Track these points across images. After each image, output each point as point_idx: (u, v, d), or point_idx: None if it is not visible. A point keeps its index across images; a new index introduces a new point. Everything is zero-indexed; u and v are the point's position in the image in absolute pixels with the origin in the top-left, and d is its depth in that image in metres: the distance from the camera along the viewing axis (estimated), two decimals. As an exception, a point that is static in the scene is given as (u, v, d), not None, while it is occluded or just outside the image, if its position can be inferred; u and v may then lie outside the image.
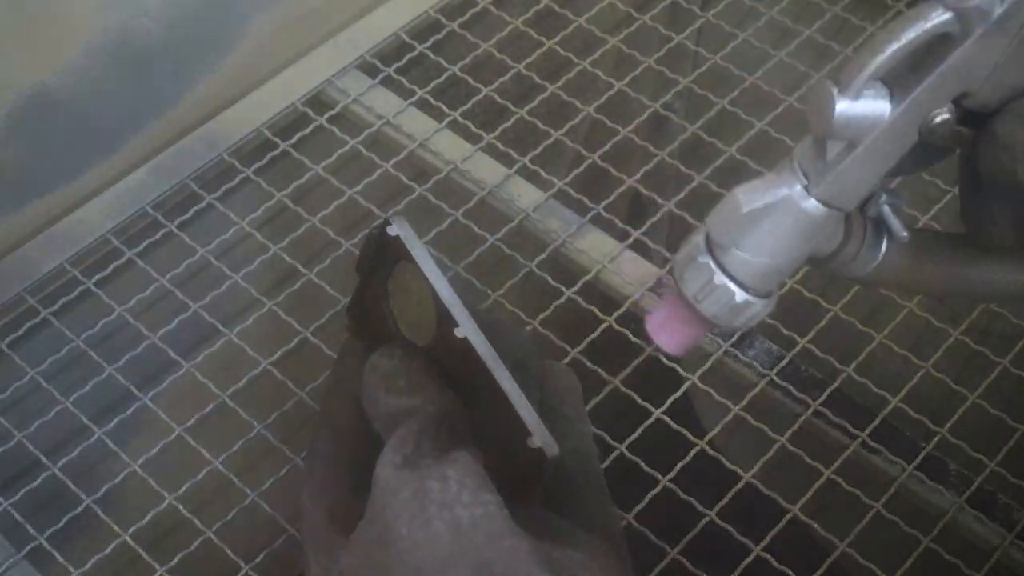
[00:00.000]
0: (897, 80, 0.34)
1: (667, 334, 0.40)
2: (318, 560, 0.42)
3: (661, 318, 0.40)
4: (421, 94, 0.81)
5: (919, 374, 0.68)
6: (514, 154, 0.77)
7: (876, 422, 0.66)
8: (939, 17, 0.33)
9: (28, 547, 0.64)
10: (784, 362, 0.69)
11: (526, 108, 0.80)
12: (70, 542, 0.65)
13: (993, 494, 0.65)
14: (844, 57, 0.82)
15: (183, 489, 0.65)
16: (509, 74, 0.82)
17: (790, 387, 0.68)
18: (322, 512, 0.43)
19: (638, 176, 0.77)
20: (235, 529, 0.64)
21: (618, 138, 0.78)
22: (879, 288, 0.40)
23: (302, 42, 0.84)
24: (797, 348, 0.69)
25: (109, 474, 0.67)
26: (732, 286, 0.37)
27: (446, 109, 0.80)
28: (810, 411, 0.67)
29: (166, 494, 0.65)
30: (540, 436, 0.41)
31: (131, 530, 0.64)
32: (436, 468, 0.39)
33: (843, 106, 0.34)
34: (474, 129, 0.79)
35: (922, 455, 0.66)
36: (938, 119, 0.35)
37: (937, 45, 0.34)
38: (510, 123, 0.79)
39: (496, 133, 0.79)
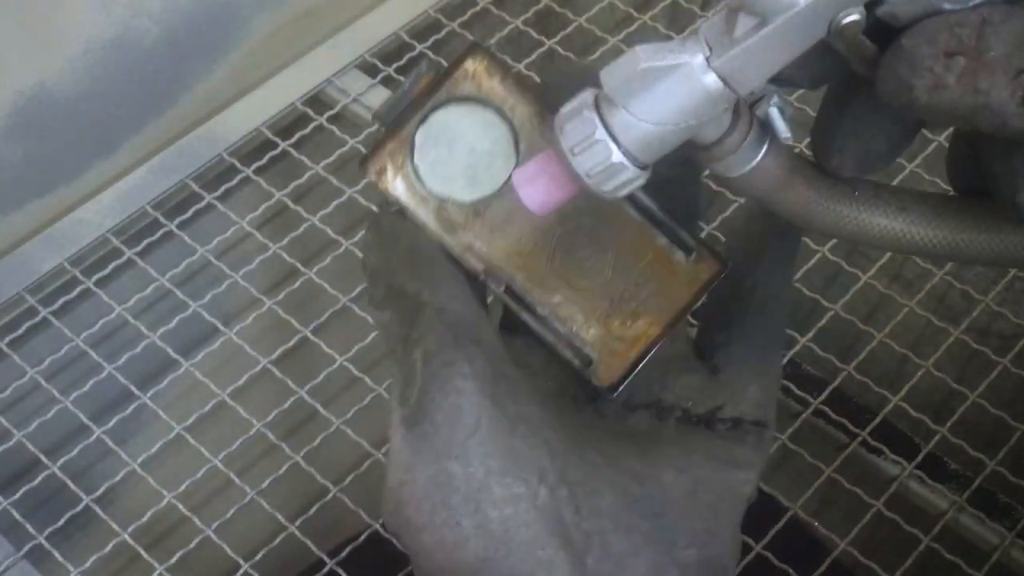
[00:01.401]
0: None
1: (533, 188, 0.39)
2: (388, 466, 0.38)
3: (531, 171, 0.39)
4: (421, 94, 0.81)
5: (919, 374, 0.68)
6: (514, 154, 0.77)
7: (876, 421, 0.66)
8: None
9: (28, 546, 0.64)
10: (784, 362, 0.69)
11: (526, 108, 0.80)
12: (70, 541, 0.65)
13: (993, 494, 0.65)
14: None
15: (182, 488, 0.65)
16: (509, 74, 0.82)
17: (790, 386, 0.68)
18: (399, 419, 0.38)
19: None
20: (234, 527, 0.64)
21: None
22: (744, 195, 0.40)
23: (302, 42, 0.84)
24: (797, 347, 0.69)
25: (109, 473, 0.67)
26: (611, 144, 0.37)
27: (446, 109, 0.80)
28: (810, 410, 0.67)
29: (165, 493, 0.65)
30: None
31: (130, 528, 0.64)
32: (453, 436, 0.35)
33: None
34: (474, 129, 0.79)
35: (922, 455, 0.66)
36: (848, 19, 0.35)
37: None
38: (510, 123, 0.79)
39: (496, 133, 0.79)
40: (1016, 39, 0.33)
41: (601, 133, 0.37)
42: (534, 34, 0.84)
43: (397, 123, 0.43)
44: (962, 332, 0.70)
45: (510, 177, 0.40)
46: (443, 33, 0.84)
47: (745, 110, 0.38)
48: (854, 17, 0.35)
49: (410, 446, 0.36)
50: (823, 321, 0.70)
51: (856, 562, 0.62)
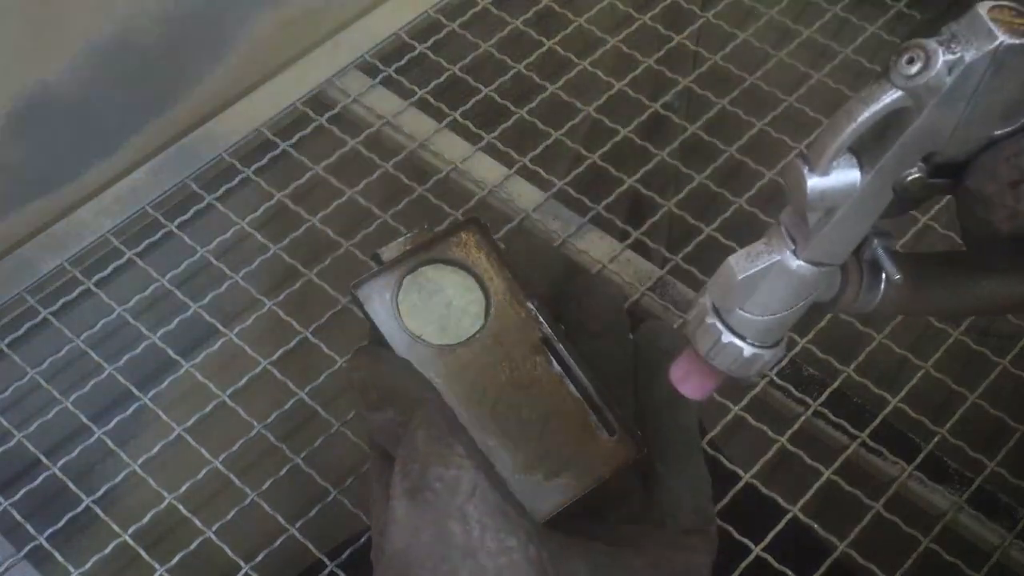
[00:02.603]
0: (864, 148, 0.36)
1: (690, 385, 0.42)
2: (375, 535, 0.43)
3: (683, 371, 0.42)
4: (421, 94, 0.81)
5: (919, 374, 0.68)
6: (514, 154, 0.77)
7: (876, 422, 0.66)
8: (891, 96, 0.34)
9: (28, 547, 0.64)
10: (784, 362, 0.69)
11: (526, 108, 0.80)
12: (70, 542, 0.65)
13: (993, 494, 0.65)
14: (844, 57, 0.82)
15: (183, 489, 0.65)
16: (509, 74, 0.82)
17: (790, 387, 0.68)
18: (380, 490, 0.43)
19: (638, 176, 0.77)
20: (235, 529, 0.64)
21: (618, 138, 0.78)
22: (889, 316, 0.43)
23: (302, 42, 0.84)
24: (797, 348, 0.69)
25: (109, 474, 0.67)
26: (739, 343, 0.40)
27: (446, 109, 0.80)
28: (810, 411, 0.67)
29: (166, 494, 0.65)
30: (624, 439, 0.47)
31: (131, 530, 0.64)
32: (452, 500, 0.39)
33: (814, 182, 0.36)
34: (474, 129, 0.79)
35: (922, 455, 0.66)
36: (910, 178, 0.37)
37: (895, 117, 0.35)
38: (510, 123, 0.79)
39: (496, 133, 0.79)
40: None
41: (727, 337, 0.40)
42: (534, 34, 0.84)
43: (391, 265, 0.49)
44: (962, 333, 0.70)
45: (475, 333, 0.49)
46: (443, 33, 0.84)
47: (853, 262, 0.40)
48: (916, 175, 0.37)
49: (413, 513, 0.40)
50: (822, 322, 0.70)
51: (856, 563, 0.62)
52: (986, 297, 0.41)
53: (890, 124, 0.35)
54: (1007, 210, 0.36)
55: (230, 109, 0.81)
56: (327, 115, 0.80)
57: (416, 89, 0.81)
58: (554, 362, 0.49)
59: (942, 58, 0.34)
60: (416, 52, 0.83)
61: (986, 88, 0.35)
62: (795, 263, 0.38)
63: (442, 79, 0.82)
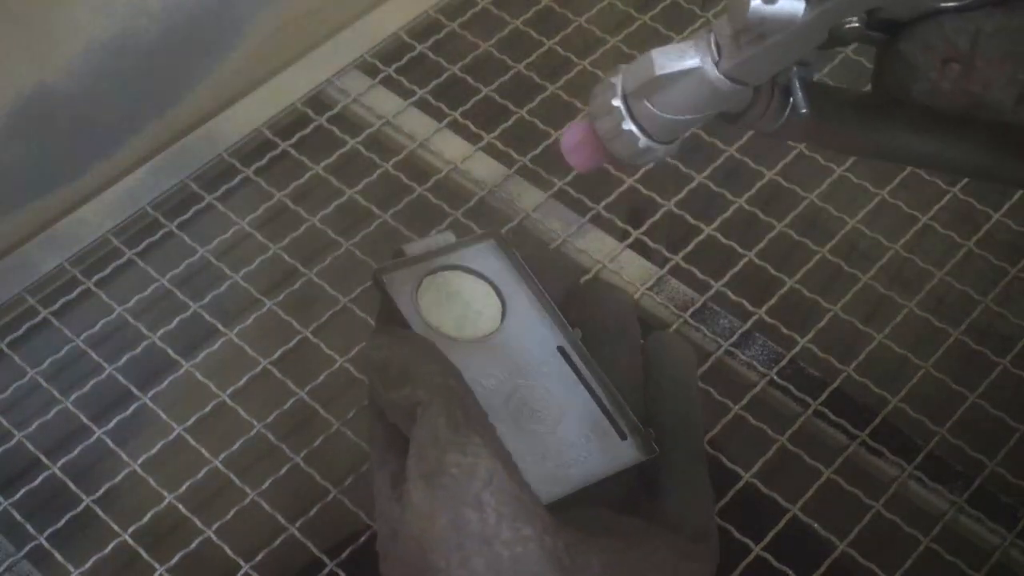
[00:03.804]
0: None
1: (578, 156, 0.44)
2: (380, 525, 0.43)
3: (575, 140, 0.43)
4: (421, 94, 0.81)
5: (919, 374, 0.68)
6: (514, 154, 0.77)
7: (876, 422, 0.66)
8: None
9: (28, 546, 0.64)
10: (784, 362, 0.69)
11: (526, 108, 0.80)
12: (70, 541, 0.65)
13: (993, 494, 0.65)
14: (844, 57, 0.82)
15: (183, 488, 0.65)
16: (509, 74, 0.82)
17: (790, 387, 0.68)
18: (384, 479, 0.43)
19: (638, 176, 0.77)
20: (235, 528, 0.64)
21: (618, 138, 0.78)
22: (784, 141, 0.43)
23: (302, 42, 0.84)
24: (797, 348, 0.69)
25: (109, 474, 0.67)
26: (638, 132, 0.40)
27: (446, 109, 0.80)
28: (810, 411, 0.67)
29: (166, 493, 0.65)
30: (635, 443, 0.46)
31: (131, 529, 0.64)
32: (469, 487, 0.39)
33: (756, 5, 0.36)
34: (474, 129, 0.79)
35: (922, 455, 0.66)
36: (848, 26, 0.37)
37: None
38: (510, 123, 0.79)
39: (496, 133, 0.79)
40: (1007, 47, 0.35)
41: (628, 124, 0.40)
42: (534, 34, 0.84)
43: (415, 261, 0.50)
44: (962, 333, 0.70)
45: (491, 333, 0.49)
46: (443, 33, 0.84)
47: (766, 83, 0.40)
48: (854, 25, 0.37)
49: (429, 497, 0.40)
50: (823, 322, 0.70)
51: (856, 563, 0.62)
52: (882, 145, 0.42)
53: None
54: (929, 83, 0.36)
55: (230, 109, 0.81)
56: (327, 115, 0.80)
57: (416, 89, 0.81)
58: (569, 367, 0.49)
59: None
60: (416, 52, 0.83)
61: None
62: (714, 74, 0.38)
63: (442, 79, 0.82)
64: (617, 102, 0.41)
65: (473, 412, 0.42)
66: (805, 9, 0.36)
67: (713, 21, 0.39)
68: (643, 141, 0.40)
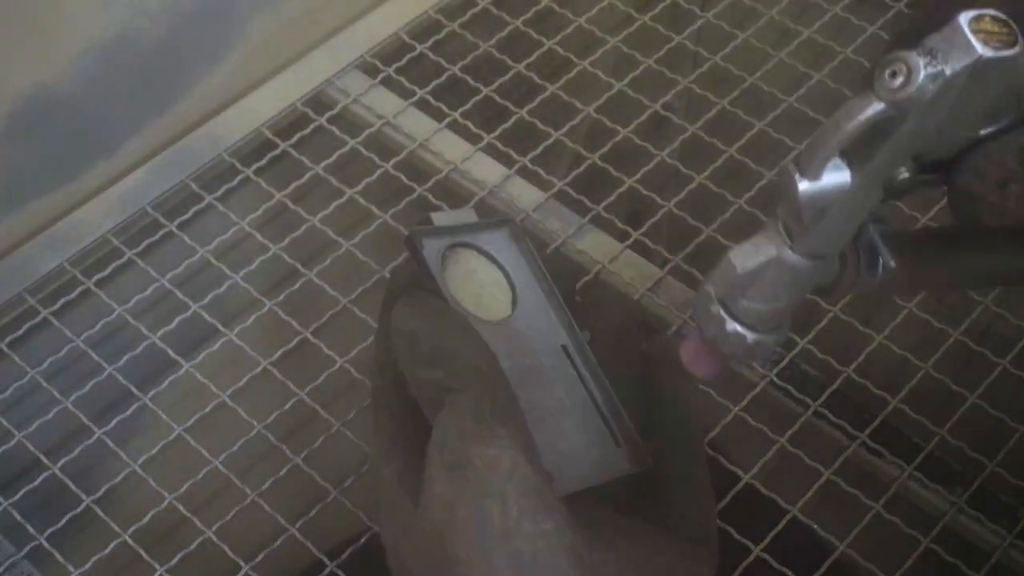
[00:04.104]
0: (854, 153, 0.37)
1: (700, 365, 0.44)
2: (389, 518, 0.43)
3: (692, 351, 0.44)
4: (421, 94, 0.81)
5: (919, 374, 0.68)
6: (514, 154, 0.77)
7: (876, 422, 0.66)
8: (874, 109, 0.36)
9: (28, 547, 0.64)
10: (784, 362, 0.69)
11: (526, 108, 0.80)
12: (70, 542, 0.65)
13: (993, 494, 0.65)
14: (844, 57, 0.82)
15: (183, 489, 0.65)
16: (509, 74, 0.82)
17: (790, 387, 0.68)
18: (391, 473, 0.43)
19: (638, 176, 0.77)
20: (235, 529, 0.64)
21: (618, 138, 0.78)
22: (892, 295, 0.44)
23: (302, 42, 0.84)
24: (797, 348, 0.69)
25: (109, 474, 0.67)
26: (742, 330, 0.42)
27: (446, 109, 0.80)
28: (810, 411, 0.67)
29: (166, 494, 0.65)
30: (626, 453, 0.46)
31: (131, 530, 0.64)
32: (492, 479, 0.39)
33: (805, 187, 0.38)
34: (474, 129, 0.79)
35: (922, 455, 0.66)
36: (900, 177, 0.39)
37: (881, 125, 0.36)
38: (510, 123, 0.79)
39: (496, 133, 0.79)
40: None
41: (731, 325, 0.42)
42: (534, 34, 0.84)
43: (442, 231, 0.50)
44: (962, 333, 0.70)
45: (505, 319, 0.49)
46: (443, 33, 0.84)
47: (851, 248, 0.42)
48: (905, 175, 0.39)
49: (451, 488, 0.40)
50: (823, 323, 0.70)
51: (856, 564, 0.62)
52: (979, 272, 0.43)
53: (877, 131, 0.36)
54: (994, 207, 0.38)
55: (230, 109, 0.81)
56: (327, 115, 0.80)
57: (416, 89, 0.81)
58: (572, 367, 0.49)
59: (923, 71, 0.35)
60: (416, 52, 0.83)
61: (966, 96, 0.36)
62: (792, 257, 0.40)
63: (442, 79, 0.82)
64: (715, 307, 0.42)
65: (503, 401, 0.42)
66: (851, 175, 0.37)
67: (778, 208, 0.40)
68: (751, 336, 0.42)
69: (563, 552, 0.39)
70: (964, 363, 0.70)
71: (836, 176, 0.37)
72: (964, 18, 0.35)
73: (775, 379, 0.68)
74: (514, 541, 0.38)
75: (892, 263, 0.41)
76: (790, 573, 0.61)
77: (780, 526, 0.63)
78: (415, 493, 0.42)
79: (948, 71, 0.35)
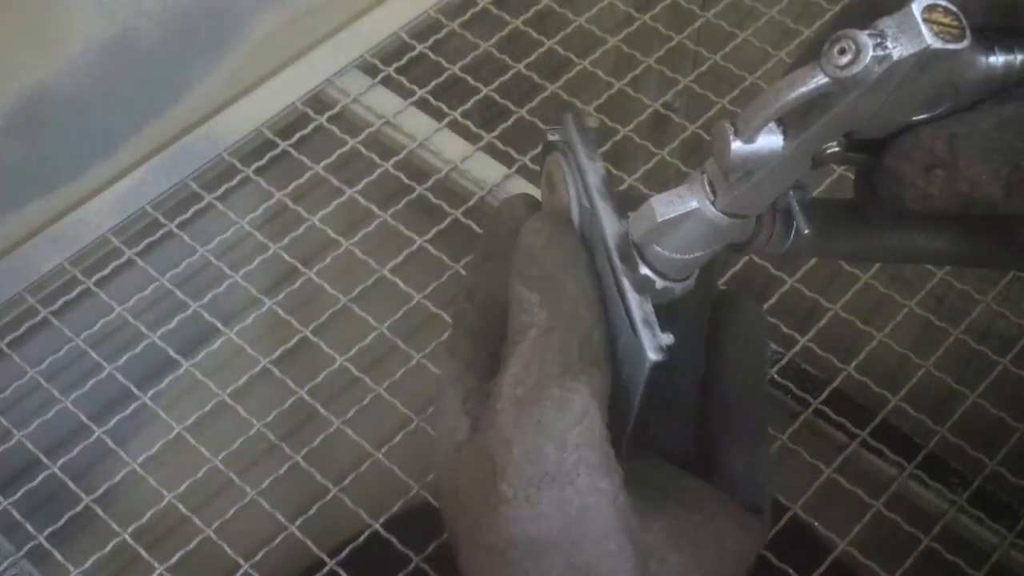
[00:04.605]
0: (790, 122, 0.38)
1: None
2: (445, 439, 0.42)
3: None
4: (421, 94, 0.81)
5: (919, 374, 0.68)
6: (514, 154, 0.77)
7: (876, 421, 0.66)
8: (818, 82, 0.36)
9: (28, 546, 0.64)
10: (784, 361, 0.69)
11: (526, 108, 0.80)
12: (70, 541, 0.65)
13: (993, 494, 0.65)
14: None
15: (182, 488, 0.65)
16: (509, 74, 0.82)
17: (790, 386, 0.68)
18: (456, 395, 0.42)
19: (638, 175, 0.77)
20: (234, 527, 0.64)
21: (618, 137, 0.78)
22: (797, 259, 0.45)
23: (302, 42, 0.84)
24: (797, 347, 0.69)
25: (109, 473, 0.67)
26: (652, 276, 0.42)
27: (446, 109, 0.80)
28: (810, 410, 0.67)
29: (165, 493, 0.65)
30: (646, 339, 0.42)
31: (131, 529, 0.64)
32: (558, 422, 0.38)
33: (738, 147, 0.38)
34: (474, 129, 0.79)
35: (922, 454, 0.66)
36: (828, 151, 0.39)
37: (820, 99, 0.37)
38: (510, 123, 0.79)
39: (496, 133, 0.79)
40: (983, 146, 0.37)
41: (643, 269, 0.42)
42: (534, 34, 0.84)
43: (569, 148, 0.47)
44: (962, 332, 0.70)
45: None
46: (443, 33, 0.84)
47: (767, 210, 0.42)
48: (835, 149, 0.39)
49: (514, 424, 0.39)
50: (823, 321, 0.70)
51: (856, 562, 0.62)
52: (888, 249, 0.44)
53: (815, 105, 0.37)
54: (918, 191, 0.38)
55: (230, 109, 0.81)
56: (327, 115, 0.80)
57: (416, 89, 0.81)
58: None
59: (871, 53, 0.35)
60: (416, 52, 0.83)
61: (910, 83, 0.36)
62: (712, 212, 0.40)
63: (442, 79, 0.82)
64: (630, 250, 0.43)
65: (589, 351, 0.41)
66: (784, 144, 0.38)
67: (705, 163, 0.41)
68: (659, 283, 0.42)
69: (612, 513, 0.38)
70: (964, 362, 0.70)
71: (769, 141, 0.38)
72: (917, 5, 0.35)
73: (775, 377, 0.68)
74: (565, 490, 0.38)
75: (805, 230, 0.42)
76: (790, 572, 0.61)
77: (780, 525, 0.63)
78: (479, 419, 0.41)
79: (896, 56, 0.35)
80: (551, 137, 0.48)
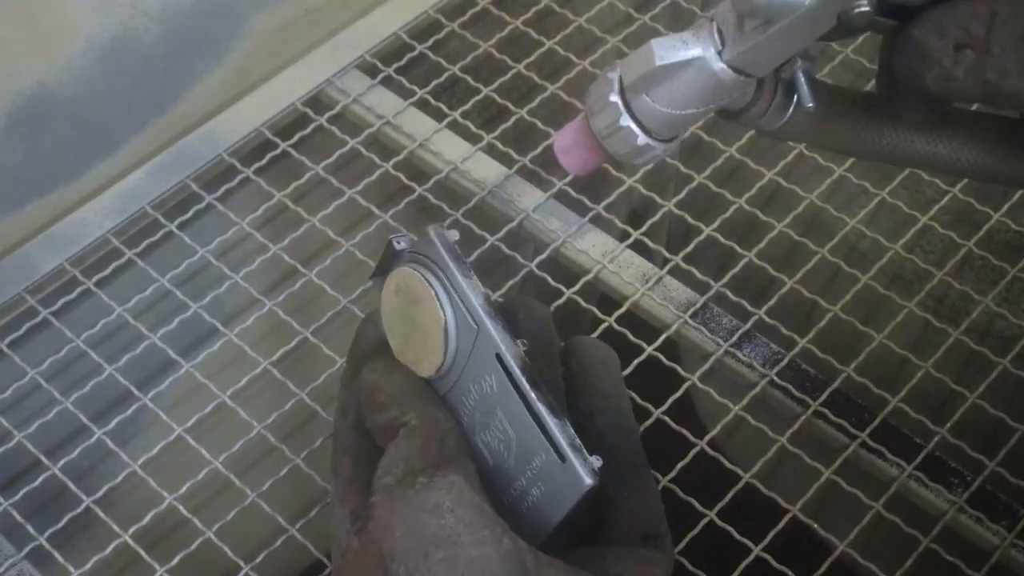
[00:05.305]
0: None
1: (572, 157, 0.42)
2: (337, 553, 0.42)
3: (568, 141, 0.41)
4: (421, 94, 0.81)
5: (919, 374, 0.68)
6: (514, 154, 0.77)
7: (876, 422, 0.66)
8: None
9: (28, 547, 0.64)
10: (784, 362, 0.69)
11: (526, 108, 0.80)
12: (70, 542, 0.65)
13: (993, 494, 0.65)
14: (844, 57, 0.82)
15: (183, 489, 0.65)
16: (509, 74, 0.82)
17: (790, 387, 0.68)
18: (345, 513, 0.43)
19: (638, 176, 0.77)
20: (235, 529, 0.64)
21: (618, 138, 0.78)
22: (787, 140, 0.42)
23: (302, 42, 0.84)
24: (797, 348, 0.69)
25: (109, 474, 0.67)
26: (636, 129, 0.38)
27: (446, 109, 0.80)
28: (810, 411, 0.67)
29: (166, 494, 0.65)
30: (579, 465, 0.42)
31: (131, 530, 0.64)
32: (430, 496, 0.39)
33: None
34: (474, 129, 0.79)
35: (922, 455, 0.66)
36: (857, 10, 0.35)
37: None
38: (510, 123, 0.79)
39: (496, 133, 0.79)
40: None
41: (625, 120, 0.38)
42: (534, 34, 0.84)
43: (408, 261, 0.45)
44: (962, 333, 0.70)
45: (436, 371, 0.43)
46: (443, 33, 0.84)
47: (769, 77, 0.39)
48: (863, 9, 0.35)
49: (391, 507, 0.40)
50: (823, 322, 0.70)
51: (856, 563, 0.62)
52: (886, 147, 0.41)
53: None
54: (942, 70, 0.35)
55: (230, 109, 0.81)
56: (327, 115, 0.80)
57: (416, 89, 0.81)
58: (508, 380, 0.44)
59: None
60: (416, 52, 0.83)
61: None
62: (717, 64, 0.37)
63: (442, 79, 0.82)
64: (615, 97, 0.39)
65: (446, 451, 0.42)
66: None
67: (716, 9, 0.37)
68: (642, 138, 0.39)
69: (501, 558, 0.39)
70: (964, 363, 0.70)
71: None
72: None
73: (775, 378, 0.68)
74: (451, 551, 0.38)
75: (809, 103, 0.39)
76: (790, 573, 0.61)
77: (780, 526, 0.63)
78: (358, 519, 0.42)
79: None
80: (398, 246, 0.45)
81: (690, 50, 0.37)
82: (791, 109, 0.40)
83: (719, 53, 0.37)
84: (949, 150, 0.40)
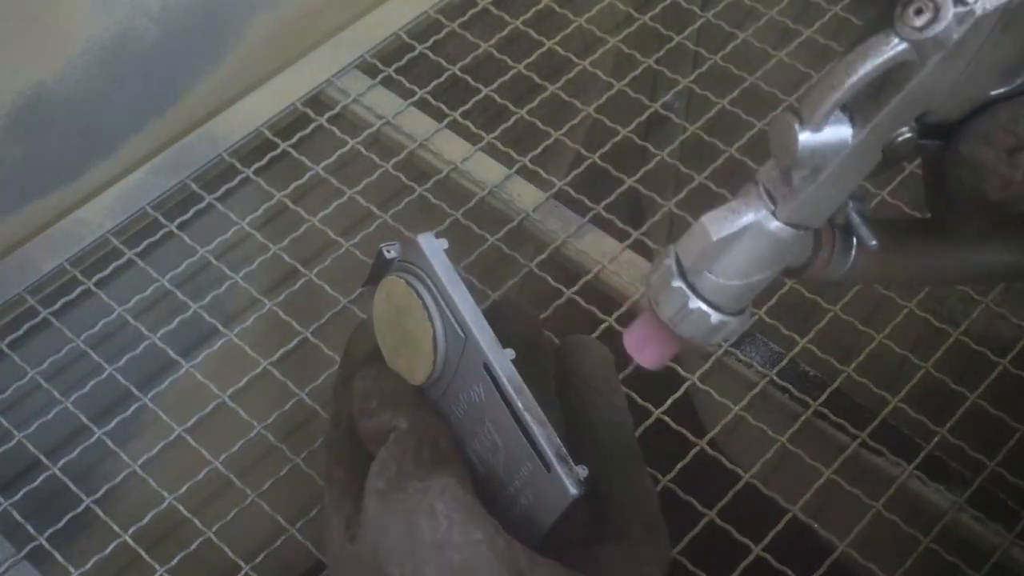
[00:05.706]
0: (858, 106, 0.34)
1: (646, 353, 0.41)
2: (331, 561, 0.43)
3: (639, 338, 0.41)
4: (421, 94, 0.81)
5: (919, 374, 0.68)
6: (514, 154, 0.77)
7: (876, 422, 0.66)
8: (896, 48, 0.33)
9: (28, 547, 0.64)
10: (784, 362, 0.69)
11: (526, 108, 0.80)
12: (70, 542, 0.65)
13: (993, 494, 0.65)
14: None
15: (183, 489, 0.65)
16: (509, 74, 0.82)
17: (790, 387, 0.68)
18: (339, 521, 0.43)
19: (638, 176, 0.77)
20: (235, 529, 0.64)
21: (618, 138, 0.78)
22: (856, 284, 0.41)
23: (302, 42, 0.84)
24: (797, 348, 0.69)
25: (109, 474, 0.67)
26: (706, 308, 0.38)
27: (446, 109, 0.80)
28: (810, 411, 0.67)
29: (166, 494, 0.65)
30: (564, 475, 0.41)
31: (131, 530, 0.64)
32: (422, 499, 0.39)
33: (806, 139, 0.34)
34: (474, 129, 0.79)
35: (922, 455, 0.66)
36: (901, 139, 0.35)
37: (895, 72, 0.33)
38: (510, 123, 0.79)
39: (496, 133, 0.79)
40: None
41: (694, 302, 0.38)
42: (534, 34, 0.84)
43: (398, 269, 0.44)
44: (962, 333, 0.70)
45: (426, 379, 0.43)
46: (443, 33, 0.84)
47: (825, 226, 0.38)
48: (907, 136, 0.35)
49: (384, 511, 0.40)
50: (823, 323, 0.70)
51: (856, 563, 0.62)
52: (958, 265, 0.40)
53: (888, 80, 0.33)
54: (1001, 178, 0.35)
55: (230, 109, 0.81)
56: (327, 115, 0.80)
57: (416, 89, 0.81)
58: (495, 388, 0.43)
59: (952, 10, 0.32)
60: (416, 52, 0.83)
61: (991, 47, 0.33)
62: (773, 224, 0.36)
63: (442, 79, 0.82)
64: (677, 282, 0.38)
65: (437, 454, 0.42)
66: (854, 131, 0.34)
67: (759, 172, 0.37)
68: (715, 316, 0.38)
69: (494, 558, 0.39)
70: (964, 363, 0.70)
71: (837, 131, 0.34)
72: None
73: (775, 379, 0.68)
74: (444, 552, 0.39)
75: (872, 241, 0.38)
76: (790, 573, 0.61)
77: (780, 526, 0.63)
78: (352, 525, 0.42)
79: (979, 11, 0.31)
80: (388, 255, 0.45)
81: (742, 218, 0.37)
82: (853, 252, 0.39)
83: (772, 213, 0.36)
84: (1017, 255, 0.40)
